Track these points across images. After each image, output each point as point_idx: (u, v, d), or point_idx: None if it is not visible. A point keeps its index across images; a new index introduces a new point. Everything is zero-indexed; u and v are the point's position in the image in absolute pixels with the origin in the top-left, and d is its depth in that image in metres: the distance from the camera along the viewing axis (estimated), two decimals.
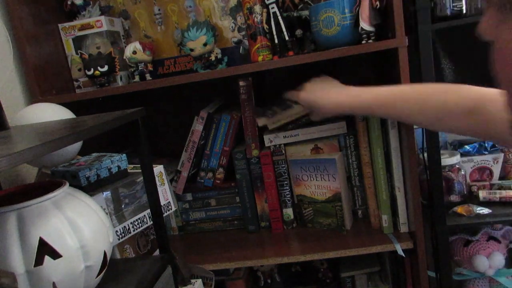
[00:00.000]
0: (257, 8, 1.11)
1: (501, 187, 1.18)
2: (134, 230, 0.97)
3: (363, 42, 1.04)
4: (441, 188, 1.08)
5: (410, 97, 0.81)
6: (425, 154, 1.09)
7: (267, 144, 1.23)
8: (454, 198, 1.19)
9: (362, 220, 1.26)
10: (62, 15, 1.27)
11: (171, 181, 1.31)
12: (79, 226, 0.69)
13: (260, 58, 1.13)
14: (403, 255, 1.10)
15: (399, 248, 1.09)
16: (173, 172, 1.34)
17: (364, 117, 1.14)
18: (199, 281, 1.07)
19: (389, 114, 0.89)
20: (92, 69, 1.14)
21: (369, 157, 1.16)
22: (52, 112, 0.96)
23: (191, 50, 1.14)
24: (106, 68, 1.14)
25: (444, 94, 0.78)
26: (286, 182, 1.24)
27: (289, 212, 1.27)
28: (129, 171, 1.03)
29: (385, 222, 1.15)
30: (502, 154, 1.23)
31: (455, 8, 1.01)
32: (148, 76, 1.19)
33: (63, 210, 0.69)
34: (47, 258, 0.65)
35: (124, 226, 0.94)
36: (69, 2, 1.24)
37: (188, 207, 1.34)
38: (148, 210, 0.99)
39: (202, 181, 1.29)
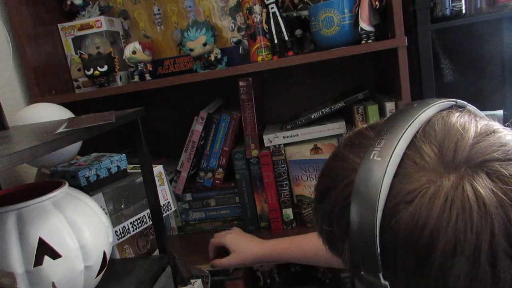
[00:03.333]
0: (257, 8, 1.11)
1: None
2: (133, 230, 0.97)
3: (363, 42, 1.04)
4: None
5: (293, 250, 1.04)
6: None
7: (266, 144, 1.23)
8: None
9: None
10: (61, 15, 1.27)
11: (170, 181, 1.31)
12: (78, 226, 0.69)
13: (259, 58, 1.13)
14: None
15: None
16: (173, 172, 1.34)
17: (364, 117, 1.14)
18: (199, 281, 1.07)
19: (283, 260, 1.07)
20: (91, 69, 1.14)
21: None
22: (51, 112, 0.96)
23: (191, 50, 1.14)
24: (105, 68, 1.14)
25: (306, 243, 1.03)
26: (285, 182, 1.24)
27: (288, 212, 1.26)
28: (128, 171, 1.03)
29: None
30: None
31: (454, 8, 1.01)
32: (147, 76, 1.19)
33: (63, 210, 0.69)
34: (46, 258, 0.65)
35: (124, 226, 0.94)
36: (68, 2, 1.24)
37: (188, 207, 1.34)
38: (148, 210, 0.99)
39: (202, 181, 1.29)
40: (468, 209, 0.34)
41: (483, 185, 0.35)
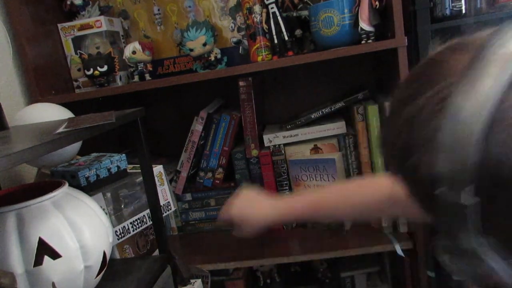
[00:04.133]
0: (257, 8, 1.11)
1: None
2: (133, 230, 0.97)
3: (363, 42, 1.04)
4: None
5: (333, 199, 0.84)
6: None
7: (266, 144, 1.23)
8: None
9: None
10: (61, 15, 1.27)
11: (170, 181, 1.31)
12: (78, 226, 0.69)
13: (259, 58, 1.13)
14: (403, 255, 1.10)
15: (398, 248, 1.09)
16: (173, 172, 1.34)
17: (364, 117, 1.14)
18: (199, 281, 1.07)
19: (320, 217, 0.92)
20: (91, 69, 1.14)
21: (368, 157, 1.16)
22: (51, 112, 0.96)
23: (191, 50, 1.14)
24: (105, 68, 1.14)
25: (360, 189, 0.83)
26: (285, 182, 1.24)
27: None
28: (128, 171, 1.03)
29: (384, 222, 1.15)
30: None
31: (454, 8, 1.01)
32: (147, 76, 1.19)
33: (63, 210, 0.69)
34: (46, 258, 0.65)
35: (124, 226, 0.94)
36: (68, 2, 1.24)
37: (188, 207, 1.34)
38: (148, 210, 0.99)
39: (202, 181, 1.29)
40: None
41: None
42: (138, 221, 0.98)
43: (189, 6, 1.26)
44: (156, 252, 1.06)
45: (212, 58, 1.16)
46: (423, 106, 0.35)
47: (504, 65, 0.30)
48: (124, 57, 1.18)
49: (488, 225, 0.32)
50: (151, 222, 0.99)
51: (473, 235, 0.32)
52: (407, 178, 0.38)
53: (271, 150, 1.23)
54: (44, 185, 0.78)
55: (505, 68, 0.30)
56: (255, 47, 1.13)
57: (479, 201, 0.31)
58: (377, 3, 1.01)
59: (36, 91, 1.12)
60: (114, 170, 0.97)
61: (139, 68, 1.18)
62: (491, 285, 0.34)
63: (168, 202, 1.10)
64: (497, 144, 0.30)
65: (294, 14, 1.20)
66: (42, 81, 1.15)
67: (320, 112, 1.21)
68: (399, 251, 1.09)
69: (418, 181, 0.36)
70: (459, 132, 0.31)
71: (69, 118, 0.85)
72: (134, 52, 1.16)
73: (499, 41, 0.32)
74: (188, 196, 1.33)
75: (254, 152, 1.22)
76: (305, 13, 1.18)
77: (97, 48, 1.20)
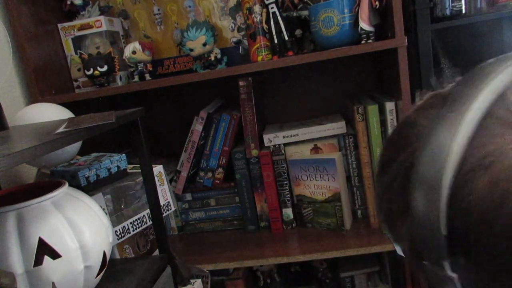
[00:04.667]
0: (257, 8, 1.11)
1: None
2: (133, 230, 0.97)
3: (363, 42, 1.04)
4: None
5: None
6: None
7: (266, 144, 1.23)
8: None
9: (362, 220, 1.26)
10: (61, 15, 1.27)
11: (170, 181, 1.31)
12: (78, 226, 0.69)
13: (259, 58, 1.13)
14: (403, 255, 1.10)
15: (398, 249, 1.09)
16: (173, 172, 1.34)
17: (364, 117, 1.14)
18: (199, 281, 1.07)
19: None
20: (91, 69, 1.14)
21: (368, 157, 1.16)
22: (51, 112, 0.96)
23: (191, 50, 1.14)
24: (105, 68, 1.14)
25: None
26: (285, 182, 1.24)
27: (288, 212, 1.27)
28: (128, 171, 1.03)
29: None
30: None
31: (454, 8, 1.01)
32: (147, 76, 1.19)
33: (63, 210, 0.69)
34: (46, 258, 0.65)
35: (124, 226, 0.94)
36: (68, 2, 1.24)
37: (188, 207, 1.34)
38: (148, 210, 0.99)
39: (202, 181, 1.29)
40: None
41: None
42: (138, 221, 0.98)
43: (189, 6, 1.26)
44: (156, 252, 1.06)
45: (212, 58, 1.16)
46: (395, 174, 0.36)
47: (458, 128, 0.29)
48: (124, 57, 1.18)
49: None
50: (151, 222, 0.99)
51: None
52: (395, 239, 0.38)
53: (271, 150, 1.23)
54: (44, 185, 0.78)
55: (459, 131, 0.29)
56: (255, 47, 1.13)
57: (457, 276, 0.31)
58: (377, 3, 1.01)
59: (36, 91, 1.13)
60: (114, 170, 0.97)
61: (139, 68, 1.18)
62: None
63: (168, 202, 1.10)
64: (461, 215, 0.30)
65: (294, 14, 1.20)
66: (42, 81, 1.15)
67: None
68: (399, 251, 1.09)
69: (405, 250, 0.36)
70: (425, 205, 0.30)
71: (69, 118, 0.85)
72: (134, 52, 1.16)
73: (460, 99, 0.31)
74: (188, 196, 1.33)
75: (254, 152, 1.22)
76: (305, 13, 1.18)
77: (97, 48, 1.20)
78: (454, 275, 0.31)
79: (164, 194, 1.09)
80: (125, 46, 1.21)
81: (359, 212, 1.27)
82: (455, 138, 0.29)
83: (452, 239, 0.30)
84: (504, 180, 0.28)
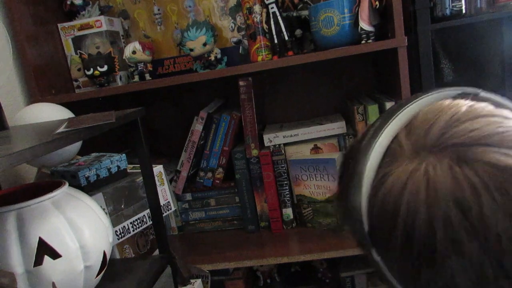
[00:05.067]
0: (257, 8, 1.11)
1: None
2: (133, 230, 0.97)
3: (363, 42, 1.04)
4: None
5: None
6: None
7: (266, 144, 1.23)
8: None
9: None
10: (61, 15, 1.27)
11: (170, 181, 1.31)
12: (78, 226, 0.69)
13: (259, 58, 1.13)
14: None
15: None
16: (173, 172, 1.34)
17: (364, 117, 1.14)
18: (199, 281, 1.08)
19: None
20: (91, 69, 1.14)
21: None
22: (51, 112, 0.96)
23: (191, 50, 1.14)
24: (105, 68, 1.14)
25: None
26: (285, 182, 1.24)
27: (288, 212, 1.27)
28: (128, 171, 1.03)
29: None
30: None
31: (454, 8, 1.01)
32: (147, 76, 1.19)
33: (63, 210, 0.69)
34: (46, 258, 0.65)
35: (124, 226, 0.94)
36: (68, 2, 1.24)
37: (188, 207, 1.34)
38: (148, 210, 0.99)
39: (202, 181, 1.29)
40: (419, 191, 0.37)
41: (440, 168, 0.37)
42: (138, 221, 0.98)
43: (189, 6, 1.26)
44: (156, 252, 1.06)
45: (212, 58, 1.16)
46: (342, 189, 0.46)
47: (369, 156, 0.41)
48: (124, 57, 1.18)
49: (403, 282, 0.41)
50: (151, 222, 0.99)
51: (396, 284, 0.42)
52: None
53: (271, 150, 1.23)
54: (44, 185, 0.78)
55: (371, 159, 0.41)
56: (255, 47, 1.13)
57: (381, 259, 0.42)
58: (377, 3, 1.01)
59: (36, 91, 1.12)
60: (114, 170, 0.97)
61: (139, 68, 1.18)
62: None
63: (168, 202, 1.11)
64: (373, 217, 0.40)
65: (294, 14, 1.20)
66: (42, 81, 1.15)
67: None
68: None
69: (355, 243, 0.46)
70: (356, 210, 0.42)
71: (69, 118, 0.85)
72: (134, 52, 1.16)
73: (372, 131, 0.43)
74: (188, 196, 1.33)
75: (254, 152, 1.22)
76: (305, 13, 1.18)
77: (97, 48, 1.20)
78: (378, 258, 0.42)
79: (164, 194, 1.09)
80: (125, 46, 1.21)
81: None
82: (368, 164, 0.41)
83: (371, 233, 0.42)
84: (388, 194, 0.39)
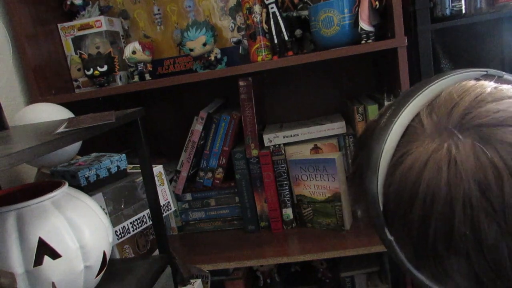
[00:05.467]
0: (257, 8, 1.11)
1: None
2: (133, 230, 0.97)
3: (363, 42, 1.04)
4: None
5: None
6: None
7: (266, 144, 1.23)
8: None
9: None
10: (61, 15, 1.27)
11: (170, 181, 1.31)
12: (78, 226, 0.69)
13: (259, 58, 1.13)
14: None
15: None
16: (173, 172, 1.34)
17: (364, 117, 1.14)
18: (199, 281, 1.07)
19: None
20: (91, 69, 1.14)
21: None
22: (51, 112, 0.96)
23: (191, 50, 1.14)
24: (105, 68, 1.14)
25: None
26: (285, 182, 1.24)
27: (288, 212, 1.27)
28: (128, 171, 1.03)
29: None
30: None
31: (454, 8, 1.01)
32: (147, 76, 1.19)
33: (63, 210, 0.69)
34: (46, 258, 0.65)
35: (124, 226, 0.94)
36: (68, 2, 1.24)
37: (188, 207, 1.34)
38: (148, 210, 0.99)
39: (202, 181, 1.29)
40: (440, 170, 0.36)
41: (463, 148, 0.36)
42: (138, 221, 0.98)
43: (189, 6, 1.26)
44: (156, 252, 1.06)
45: (212, 58, 1.16)
46: (356, 169, 0.47)
47: (388, 136, 0.40)
48: (124, 57, 1.18)
49: (415, 261, 0.41)
50: (151, 222, 0.99)
51: (412, 268, 0.42)
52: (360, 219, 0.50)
53: (271, 150, 1.23)
54: (44, 185, 0.78)
55: (393, 130, 0.40)
56: (255, 47, 1.13)
57: (394, 239, 0.41)
58: (377, 3, 1.01)
59: (36, 91, 1.13)
60: (114, 170, 0.97)
61: (139, 68, 1.18)
62: None
63: (168, 202, 1.11)
64: (394, 189, 0.40)
65: (294, 14, 1.20)
66: (42, 81, 1.15)
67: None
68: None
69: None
70: (370, 190, 0.41)
71: (69, 118, 0.85)
72: (134, 52, 1.16)
73: (393, 108, 0.42)
74: (188, 196, 1.33)
75: (254, 152, 1.22)
76: (305, 13, 1.18)
77: (97, 48, 1.20)
78: (391, 238, 0.41)
79: (164, 194, 1.09)
80: (125, 46, 1.21)
81: (359, 212, 1.27)
82: (387, 142, 0.40)
83: (386, 212, 0.41)
84: (407, 172, 0.38)
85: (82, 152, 1.03)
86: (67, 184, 0.75)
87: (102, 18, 1.20)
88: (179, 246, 1.30)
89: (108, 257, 0.77)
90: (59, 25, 1.23)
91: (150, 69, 1.21)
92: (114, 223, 0.91)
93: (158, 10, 1.27)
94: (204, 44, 1.12)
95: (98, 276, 0.74)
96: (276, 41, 1.13)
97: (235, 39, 1.25)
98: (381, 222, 0.41)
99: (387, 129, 0.41)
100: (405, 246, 0.41)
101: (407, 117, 0.41)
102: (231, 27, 1.25)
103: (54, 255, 0.66)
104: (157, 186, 0.92)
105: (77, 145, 0.98)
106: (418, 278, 0.42)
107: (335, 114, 1.36)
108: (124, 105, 0.94)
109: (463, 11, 1.02)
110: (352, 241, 1.15)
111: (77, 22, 1.22)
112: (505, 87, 0.40)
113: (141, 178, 0.94)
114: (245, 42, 1.23)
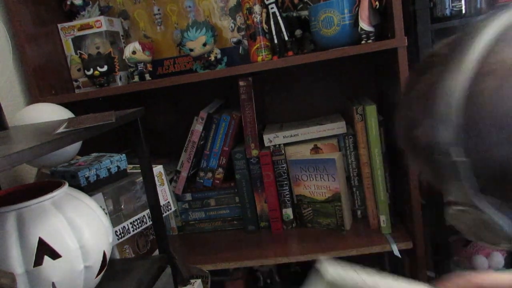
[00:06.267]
0: (257, 8, 1.11)
1: None
2: (133, 230, 0.97)
3: (363, 42, 1.04)
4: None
5: None
6: None
7: (266, 144, 1.23)
8: None
9: (362, 220, 1.26)
10: (61, 15, 1.27)
11: (170, 181, 1.31)
12: (78, 226, 0.69)
13: (259, 58, 1.13)
14: (399, 255, 1.10)
15: (395, 249, 1.09)
16: (173, 172, 1.34)
17: (363, 117, 1.14)
18: (199, 281, 1.07)
19: None
20: (91, 69, 1.14)
21: (367, 157, 1.16)
22: (51, 112, 0.96)
23: (191, 50, 1.14)
24: (105, 68, 1.14)
25: None
26: (285, 182, 1.24)
27: (288, 212, 1.27)
28: (128, 171, 1.03)
29: (383, 222, 1.15)
30: None
31: (454, 8, 1.01)
32: (147, 76, 1.19)
33: (63, 210, 0.69)
34: (46, 258, 0.65)
35: (124, 226, 0.94)
36: (68, 2, 1.24)
37: (188, 207, 1.34)
38: (148, 210, 0.99)
39: (202, 181, 1.29)
40: None
41: None
42: (138, 221, 0.98)
43: (189, 6, 1.26)
44: (156, 252, 1.06)
45: (212, 58, 1.16)
46: (420, 89, 0.42)
47: (473, 46, 0.37)
48: (124, 57, 1.18)
49: (483, 185, 0.38)
50: (151, 222, 0.99)
51: (472, 192, 0.38)
52: (412, 149, 0.44)
53: (271, 150, 1.23)
54: (44, 185, 0.78)
55: (474, 48, 0.37)
56: (255, 47, 1.13)
57: (468, 160, 0.37)
58: (377, 3, 1.01)
59: (36, 91, 1.12)
60: (114, 170, 0.97)
61: (139, 68, 1.18)
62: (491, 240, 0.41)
63: (168, 202, 1.11)
64: (480, 101, 0.36)
65: (294, 14, 1.20)
66: (42, 81, 1.15)
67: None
68: (396, 252, 1.09)
69: (419, 149, 0.42)
70: (445, 102, 0.37)
71: (69, 118, 0.85)
72: (134, 52, 1.16)
73: (474, 30, 0.39)
74: (188, 196, 1.33)
75: (254, 152, 1.22)
76: (305, 13, 1.18)
77: (97, 48, 1.20)
78: (458, 159, 0.37)
79: (164, 194, 1.09)
80: (125, 46, 1.21)
81: (359, 212, 1.27)
82: (471, 53, 0.37)
83: (465, 128, 0.37)
84: (504, 82, 0.35)
85: (82, 152, 1.03)
86: (67, 184, 0.75)
87: (102, 18, 1.20)
88: (179, 246, 1.30)
89: (108, 257, 0.77)
90: (59, 25, 1.23)
91: (150, 69, 1.21)
92: (114, 223, 0.91)
93: (158, 10, 1.27)
94: (204, 44, 1.12)
95: (98, 276, 0.74)
96: (276, 41, 1.13)
97: (235, 39, 1.25)
98: (450, 141, 0.37)
99: (473, 41, 0.38)
100: (479, 165, 0.37)
101: (493, 30, 0.38)
102: (231, 27, 1.25)
103: (54, 255, 0.66)
104: (157, 186, 0.92)
105: (77, 145, 0.98)
106: (478, 207, 0.39)
107: (335, 114, 1.36)
108: (124, 105, 0.94)
109: (463, 11, 1.02)
110: (352, 241, 1.15)
111: (77, 22, 1.22)
112: None
113: (141, 178, 0.94)
114: (245, 42, 1.23)
